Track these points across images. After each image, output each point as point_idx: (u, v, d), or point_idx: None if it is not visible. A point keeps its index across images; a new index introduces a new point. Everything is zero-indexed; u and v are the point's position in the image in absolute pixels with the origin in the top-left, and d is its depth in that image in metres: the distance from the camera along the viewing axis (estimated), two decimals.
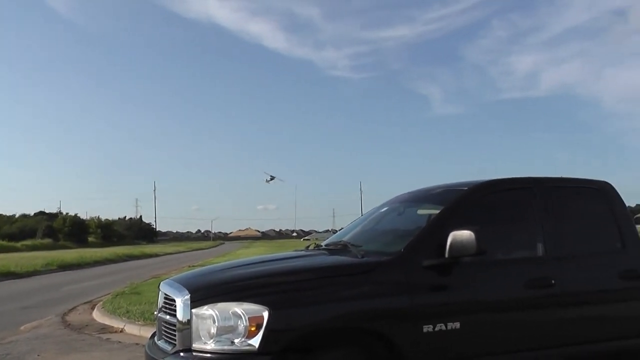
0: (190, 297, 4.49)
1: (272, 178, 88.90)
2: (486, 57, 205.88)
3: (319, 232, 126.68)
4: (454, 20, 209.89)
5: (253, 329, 4.24)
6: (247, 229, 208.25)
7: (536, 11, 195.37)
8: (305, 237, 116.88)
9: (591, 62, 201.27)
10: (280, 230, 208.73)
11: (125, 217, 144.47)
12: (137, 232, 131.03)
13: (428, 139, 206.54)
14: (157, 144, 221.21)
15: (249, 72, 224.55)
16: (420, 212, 5.97)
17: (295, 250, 6.28)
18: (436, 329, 4.64)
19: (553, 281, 5.20)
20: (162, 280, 5.39)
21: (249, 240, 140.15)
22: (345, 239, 5.89)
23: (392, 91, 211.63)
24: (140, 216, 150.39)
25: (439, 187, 6.10)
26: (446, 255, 4.74)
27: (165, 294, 4.97)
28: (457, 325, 4.72)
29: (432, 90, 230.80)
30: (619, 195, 6.00)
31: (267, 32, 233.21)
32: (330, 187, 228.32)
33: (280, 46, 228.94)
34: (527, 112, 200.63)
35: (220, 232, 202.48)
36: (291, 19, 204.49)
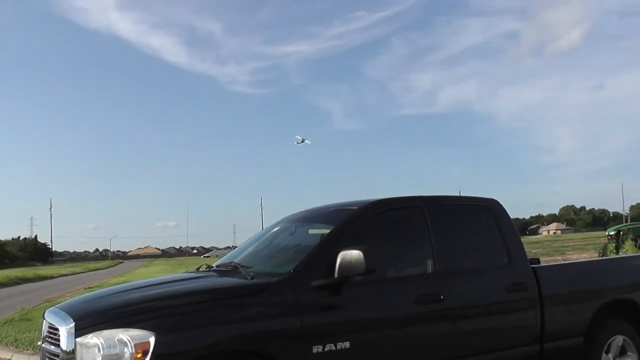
0: (75, 325, 4.35)
1: (303, 140, 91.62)
2: (386, 73, 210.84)
3: (219, 249, 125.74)
4: (355, 37, 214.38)
5: (139, 355, 4.13)
6: (146, 247, 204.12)
7: (435, 31, 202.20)
8: (206, 254, 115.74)
9: (487, 81, 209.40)
10: (181, 247, 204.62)
11: (19, 237, 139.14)
12: (32, 252, 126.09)
13: (330, 154, 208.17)
14: (51, 160, 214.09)
15: (149, 86, 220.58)
16: (312, 231, 5.97)
17: (186, 272, 6.20)
18: (326, 349, 4.66)
19: (442, 296, 5.30)
20: (48, 308, 5.21)
21: (148, 259, 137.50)
22: (236, 259, 5.84)
23: (294, 106, 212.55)
24: (35, 236, 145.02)
25: (330, 206, 6.14)
26: (336, 275, 4.77)
27: (50, 323, 4.79)
28: (347, 344, 4.74)
29: (334, 105, 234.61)
30: (506, 212, 6.23)
31: (168, 46, 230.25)
32: (231, 203, 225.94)
33: (182, 60, 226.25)
34: (427, 128, 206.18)
35: (119, 251, 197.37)
36: (192, 33, 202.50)
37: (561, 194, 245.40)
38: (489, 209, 6.15)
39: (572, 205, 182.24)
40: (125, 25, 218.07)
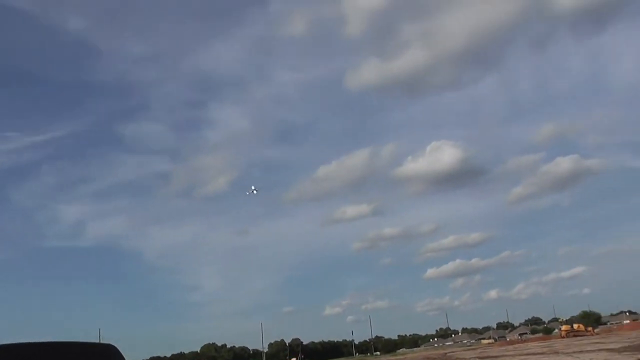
0: None
1: (254, 190, 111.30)
2: (34, 201, 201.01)
3: None
4: (4, 159, 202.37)
5: None
6: None
7: (87, 162, 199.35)
8: None
9: (137, 217, 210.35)
10: None
11: None
12: None
13: None
14: None
15: None
16: None
17: None
18: None
19: None
20: None
21: None
22: None
23: None
24: None
25: None
26: None
27: None
28: None
29: None
30: (123, 356, 6.49)
31: None
32: None
33: None
34: (74, 262, 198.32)
35: None
36: None
37: (204, 331, 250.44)
38: (106, 354, 6.35)
39: (214, 343, 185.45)
40: None
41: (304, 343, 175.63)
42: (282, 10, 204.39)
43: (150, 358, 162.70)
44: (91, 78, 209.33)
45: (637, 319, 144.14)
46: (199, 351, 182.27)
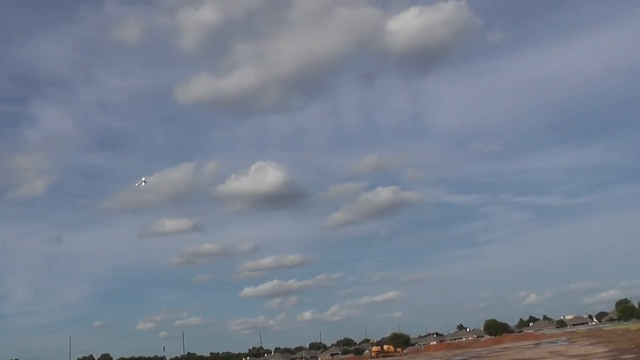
0: None
1: (143, 181, 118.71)
2: None
3: None
4: None
5: None
6: None
7: None
8: None
9: None
10: None
11: None
12: None
13: None
14: None
15: None
16: None
17: None
18: None
19: None
20: None
21: None
22: None
23: None
24: None
25: None
26: None
27: None
28: None
29: None
30: None
31: None
32: None
33: None
34: None
35: None
36: None
37: (6, 346, 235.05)
38: None
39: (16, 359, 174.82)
40: None
41: (114, 359, 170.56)
42: (116, 14, 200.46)
43: None
44: None
45: (442, 340, 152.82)
46: None
